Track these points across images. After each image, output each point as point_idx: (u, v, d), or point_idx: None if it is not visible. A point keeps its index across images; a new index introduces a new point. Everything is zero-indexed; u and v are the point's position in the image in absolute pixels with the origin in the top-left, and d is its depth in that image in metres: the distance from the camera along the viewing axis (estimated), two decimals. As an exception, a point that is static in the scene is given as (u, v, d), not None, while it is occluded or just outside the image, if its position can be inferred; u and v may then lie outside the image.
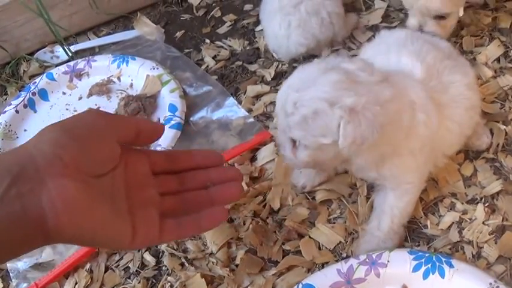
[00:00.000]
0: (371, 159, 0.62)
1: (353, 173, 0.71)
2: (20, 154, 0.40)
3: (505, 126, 0.78)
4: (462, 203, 0.71)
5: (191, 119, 0.89)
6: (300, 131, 0.59)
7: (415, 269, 0.62)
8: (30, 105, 0.96)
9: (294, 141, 0.62)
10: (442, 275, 0.62)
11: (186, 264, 0.72)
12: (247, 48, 0.99)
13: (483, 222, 0.69)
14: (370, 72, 0.60)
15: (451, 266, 0.62)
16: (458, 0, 0.81)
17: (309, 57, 0.93)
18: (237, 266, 0.71)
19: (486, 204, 0.70)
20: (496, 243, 0.67)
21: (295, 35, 0.90)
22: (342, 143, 0.57)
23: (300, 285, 0.63)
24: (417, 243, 0.69)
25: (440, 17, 0.81)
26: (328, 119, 0.57)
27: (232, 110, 0.88)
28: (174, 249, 0.74)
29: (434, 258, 0.62)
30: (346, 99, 0.57)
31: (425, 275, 0.62)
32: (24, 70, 1.06)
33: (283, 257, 0.71)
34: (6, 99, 1.02)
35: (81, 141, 0.41)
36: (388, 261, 0.63)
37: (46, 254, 0.77)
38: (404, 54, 0.68)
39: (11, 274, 0.76)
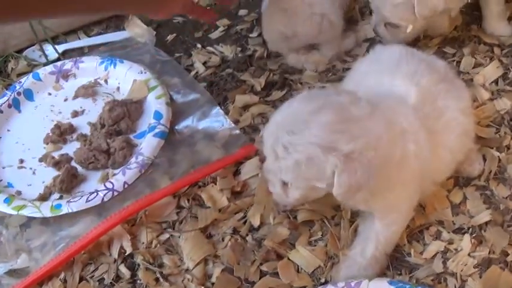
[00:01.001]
0: (363, 198, 0.60)
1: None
2: None
3: (498, 153, 0.75)
4: (448, 232, 0.69)
5: (176, 127, 0.86)
6: (292, 175, 0.58)
7: (394, 300, 0.60)
8: (15, 105, 0.94)
9: (284, 182, 0.60)
10: (422, 309, 0.59)
11: (161, 280, 0.70)
12: (239, 55, 0.96)
13: (469, 254, 0.66)
14: (359, 105, 0.57)
15: (431, 300, 0.59)
16: (408, 16, 0.82)
17: (300, 70, 0.91)
18: (212, 284, 0.69)
19: (473, 235, 0.68)
20: (480, 277, 0.64)
21: (278, 17, 0.88)
22: (336, 191, 0.56)
23: (275, 311, 0.62)
24: (399, 272, 0.66)
25: (393, 25, 0.84)
26: (322, 166, 0.55)
27: (218, 120, 0.85)
28: (150, 264, 0.72)
29: (414, 291, 0.60)
30: (342, 146, 0.55)
31: (404, 307, 0.60)
32: (12, 68, 1.04)
33: (260, 278, 0.69)
34: (-7, 96, 1.00)
35: None
36: (366, 291, 0.61)
37: (21, 260, 0.76)
38: (398, 77, 0.65)
39: (-15, 280, 0.74)
